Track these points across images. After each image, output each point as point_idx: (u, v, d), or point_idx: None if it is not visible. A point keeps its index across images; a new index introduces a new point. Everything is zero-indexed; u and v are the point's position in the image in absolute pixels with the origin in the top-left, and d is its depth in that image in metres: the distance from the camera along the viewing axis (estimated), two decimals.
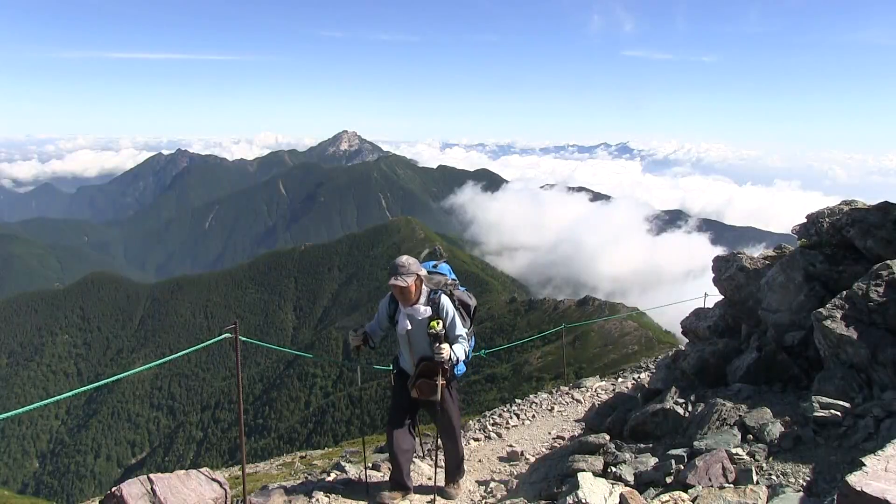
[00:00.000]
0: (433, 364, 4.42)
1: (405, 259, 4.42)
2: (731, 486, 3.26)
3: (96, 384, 4.59)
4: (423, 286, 4.51)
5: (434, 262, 4.79)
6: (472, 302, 4.71)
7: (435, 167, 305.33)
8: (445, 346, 4.34)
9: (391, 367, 4.95)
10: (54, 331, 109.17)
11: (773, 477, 3.26)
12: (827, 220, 5.51)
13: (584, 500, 3.18)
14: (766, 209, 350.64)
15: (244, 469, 4.71)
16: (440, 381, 4.46)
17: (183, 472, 4.46)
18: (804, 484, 3.11)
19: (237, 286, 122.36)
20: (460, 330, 4.54)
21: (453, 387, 4.81)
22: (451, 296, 4.54)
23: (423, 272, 4.48)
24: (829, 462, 3.25)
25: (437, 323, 4.34)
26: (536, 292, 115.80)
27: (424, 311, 4.43)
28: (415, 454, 4.87)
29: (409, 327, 4.49)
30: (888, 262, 4.34)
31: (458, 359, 4.47)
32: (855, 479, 2.35)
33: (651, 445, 4.43)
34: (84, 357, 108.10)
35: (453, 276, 4.81)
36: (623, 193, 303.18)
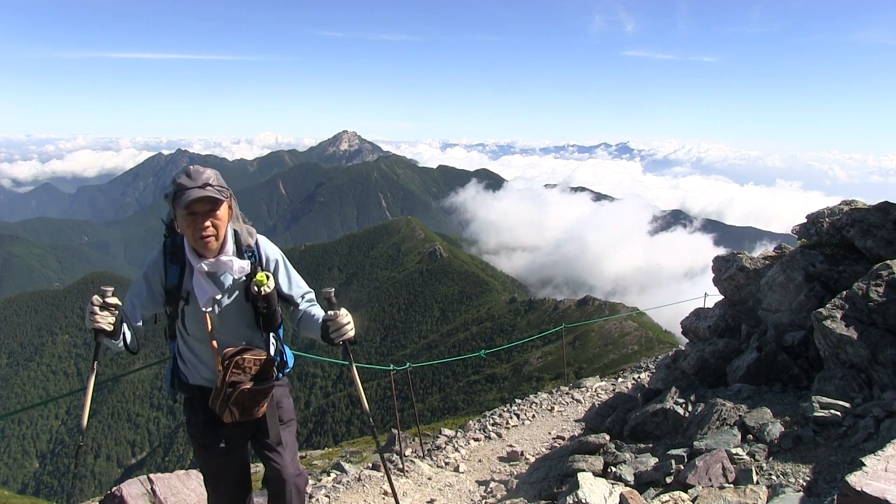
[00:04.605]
0: (250, 354, 2.54)
1: (201, 168, 2.43)
2: (731, 486, 3.25)
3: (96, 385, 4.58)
4: (232, 223, 2.56)
5: None
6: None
7: (435, 167, 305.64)
8: (343, 311, 2.67)
9: (169, 389, 2.77)
10: (54, 331, 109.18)
11: (773, 477, 3.25)
12: (827, 220, 5.52)
13: (584, 500, 3.18)
14: (766, 209, 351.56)
15: None
16: (272, 383, 2.65)
17: (183, 472, 4.46)
18: (804, 484, 3.11)
19: None
20: (304, 285, 2.85)
21: (286, 386, 2.94)
22: None
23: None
24: (829, 462, 3.24)
25: (266, 276, 2.54)
26: (536, 292, 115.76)
27: (241, 265, 2.53)
28: None
29: (217, 295, 2.52)
30: (888, 262, 4.34)
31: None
32: (855, 479, 2.35)
33: (651, 445, 4.42)
34: (84, 357, 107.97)
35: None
36: (623, 193, 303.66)
